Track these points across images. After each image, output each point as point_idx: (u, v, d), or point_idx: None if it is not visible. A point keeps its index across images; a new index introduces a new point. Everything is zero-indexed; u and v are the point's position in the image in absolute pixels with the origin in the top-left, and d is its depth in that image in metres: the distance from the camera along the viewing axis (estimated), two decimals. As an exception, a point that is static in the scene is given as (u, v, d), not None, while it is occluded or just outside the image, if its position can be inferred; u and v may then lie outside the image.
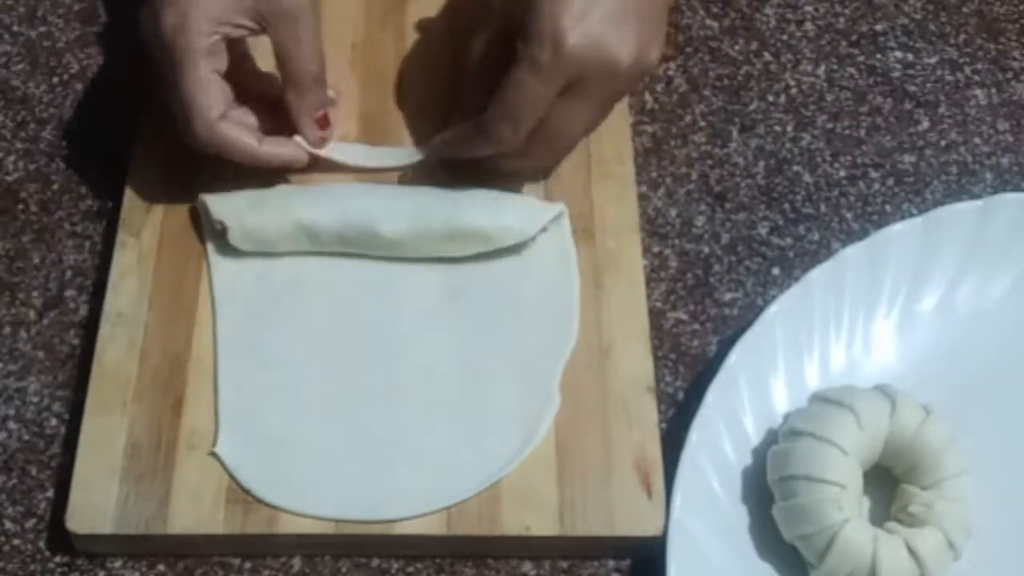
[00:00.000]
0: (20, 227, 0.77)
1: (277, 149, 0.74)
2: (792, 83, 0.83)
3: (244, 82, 0.74)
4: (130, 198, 0.76)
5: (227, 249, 0.74)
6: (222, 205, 0.74)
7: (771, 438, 0.68)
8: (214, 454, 0.68)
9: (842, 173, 0.80)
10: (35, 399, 0.72)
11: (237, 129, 0.73)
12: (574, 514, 0.67)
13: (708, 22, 0.85)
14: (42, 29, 0.85)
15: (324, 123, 0.75)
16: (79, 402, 0.70)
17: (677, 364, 0.73)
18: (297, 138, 0.75)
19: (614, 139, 0.78)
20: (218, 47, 0.71)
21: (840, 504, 0.64)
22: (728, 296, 0.75)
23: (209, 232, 0.75)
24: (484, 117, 0.71)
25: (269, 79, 0.75)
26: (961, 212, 0.74)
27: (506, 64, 0.70)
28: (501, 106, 0.70)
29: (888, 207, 0.79)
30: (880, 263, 0.73)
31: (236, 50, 0.73)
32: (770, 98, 0.83)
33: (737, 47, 0.84)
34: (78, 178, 0.79)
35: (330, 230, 0.73)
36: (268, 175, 0.75)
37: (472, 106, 0.74)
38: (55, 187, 0.79)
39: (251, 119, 0.75)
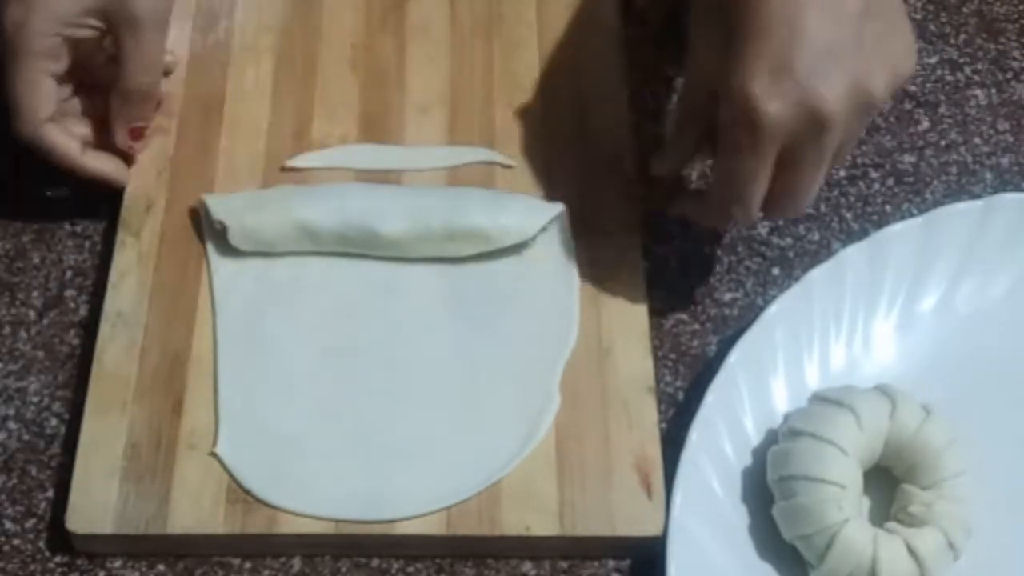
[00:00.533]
0: (20, 227, 0.77)
1: (98, 163, 0.75)
2: (792, 83, 0.83)
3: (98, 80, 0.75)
4: (130, 198, 0.76)
5: (227, 249, 0.74)
6: (222, 205, 0.74)
7: (771, 438, 0.68)
8: (214, 454, 0.68)
9: (842, 173, 0.80)
10: (35, 399, 0.72)
11: (63, 135, 0.74)
12: (574, 514, 0.67)
13: (708, 22, 0.85)
14: (42, 29, 0.85)
15: (137, 135, 0.75)
16: (79, 402, 0.70)
17: (677, 364, 0.73)
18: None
19: (614, 139, 0.78)
20: (58, 49, 0.72)
21: (840, 504, 0.64)
22: (728, 296, 0.75)
23: (209, 232, 0.75)
24: (710, 197, 0.69)
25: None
26: (961, 212, 0.74)
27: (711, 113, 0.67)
28: (720, 190, 0.67)
29: (888, 207, 0.79)
30: (880, 263, 0.73)
31: (89, 49, 0.73)
32: (770, 98, 0.83)
33: None
34: (78, 179, 0.79)
35: (330, 230, 0.73)
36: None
37: (678, 157, 0.74)
38: (55, 187, 0.79)
39: (82, 129, 0.75)
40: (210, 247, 0.74)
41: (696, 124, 0.70)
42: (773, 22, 0.63)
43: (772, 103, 0.63)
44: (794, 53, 0.63)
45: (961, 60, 0.85)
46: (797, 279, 0.72)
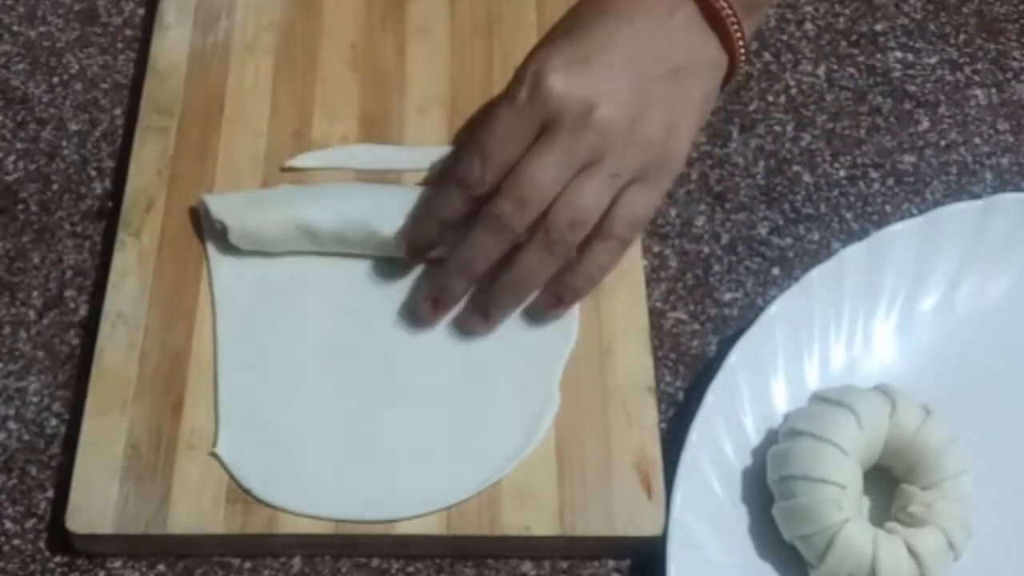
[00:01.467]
0: (20, 227, 0.77)
1: None
2: (792, 83, 0.83)
3: None
4: (130, 198, 0.76)
5: (227, 249, 0.74)
6: (222, 205, 0.74)
7: (771, 438, 0.68)
8: (214, 454, 0.68)
9: (842, 173, 0.80)
10: (35, 399, 0.72)
11: None
12: (574, 514, 0.67)
13: (708, 22, 0.85)
14: (42, 29, 0.85)
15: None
16: (79, 402, 0.70)
17: (677, 364, 0.73)
18: None
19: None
20: None
21: (840, 504, 0.64)
22: (728, 296, 0.75)
23: (209, 232, 0.75)
24: (454, 152, 0.71)
25: None
26: (961, 212, 0.74)
27: None
28: (472, 138, 0.70)
29: (888, 207, 0.79)
30: (880, 263, 0.73)
31: None
32: (770, 98, 0.83)
33: None
34: (78, 178, 0.79)
35: (330, 230, 0.73)
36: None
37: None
38: (55, 187, 0.79)
39: None
40: (210, 247, 0.74)
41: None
42: (594, 32, 0.70)
43: (556, 78, 0.68)
44: (598, 55, 0.69)
45: (961, 60, 0.85)
46: (797, 279, 0.72)
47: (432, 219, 0.71)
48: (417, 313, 0.72)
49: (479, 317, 0.72)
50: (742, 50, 0.73)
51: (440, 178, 0.73)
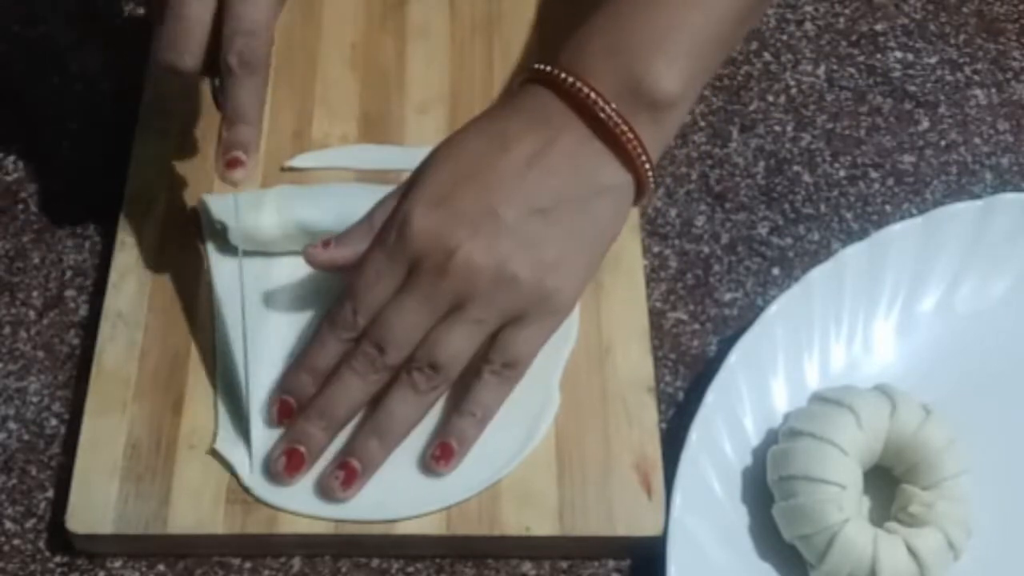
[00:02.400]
0: (20, 227, 0.77)
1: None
2: (792, 83, 0.83)
3: None
4: (130, 198, 0.76)
5: (227, 249, 0.74)
6: (222, 205, 0.74)
7: (771, 438, 0.68)
8: (214, 451, 0.68)
9: (842, 173, 0.80)
10: (35, 399, 0.72)
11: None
12: (574, 514, 0.67)
13: (708, 22, 0.85)
14: (42, 29, 0.85)
15: (234, 164, 0.69)
16: (79, 402, 0.70)
17: (677, 364, 0.73)
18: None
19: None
20: None
21: (840, 504, 0.64)
22: (728, 296, 0.75)
23: (209, 232, 0.75)
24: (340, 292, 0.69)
25: None
26: (961, 212, 0.74)
27: None
28: (350, 283, 0.68)
29: (888, 207, 0.79)
30: (880, 263, 0.73)
31: None
32: (770, 98, 0.83)
33: (737, 47, 0.84)
34: (78, 178, 0.79)
35: (330, 230, 0.73)
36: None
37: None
38: (55, 187, 0.79)
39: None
40: (210, 247, 0.74)
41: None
42: (466, 165, 0.68)
43: (421, 220, 0.66)
44: (464, 194, 0.67)
45: (961, 60, 0.85)
46: (797, 279, 0.72)
47: (306, 369, 0.68)
48: (273, 470, 0.67)
49: (340, 473, 0.67)
50: (646, 165, 0.68)
51: (317, 329, 0.69)
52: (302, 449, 0.67)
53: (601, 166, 0.69)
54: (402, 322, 0.67)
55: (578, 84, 0.68)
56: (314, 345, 0.69)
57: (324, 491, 0.67)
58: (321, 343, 0.68)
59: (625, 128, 0.68)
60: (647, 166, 0.69)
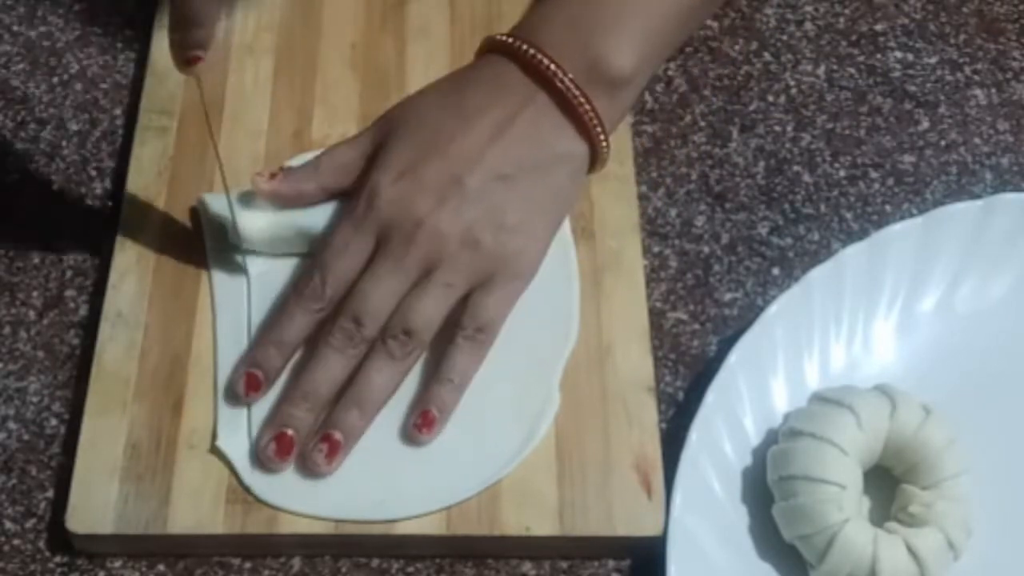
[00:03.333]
0: (20, 227, 0.77)
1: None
2: (792, 83, 0.83)
3: None
4: (130, 198, 0.76)
5: (227, 249, 0.74)
6: (222, 204, 0.74)
7: (771, 438, 0.68)
8: (216, 448, 0.68)
9: (842, 173, 0.80)
10: (35, 399, 0.72)
11: None
12: (574, 514, 0.67)
13: (708, 22, 0.85)
14: (42, 29, 0.85)
15: (193, 61, 0.68)
16: (79, 402, 0.70)
17: (677, 364, 0.73)
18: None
19: (614, 139, 0.78)
20: None
21: (840, 504, 0.64)
22: (728, 296, 0.75)
23: (209, 232, 0.75)
24: (307, 264, 0.71)
25: None
26: (961, 212, 0.74)
27: None
28: (317, 254, 0.70)
29: (888, 207, 0.79)
30: (880, 263, 0.73)
31: None
32: (770, 98, 0.83)
33: (737, 47, 0.84)
34: (78, 178, 0.79)
35: (329, 230, 0.73)
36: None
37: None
38: (55, 187, 0.79)
39: None
40: (210, 247, 0.74)
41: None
42: (430, 136, 0.70)
43: (388, 192, 0.69)
44: (429, 163, 0.70)
45: (961, 60, 0.85)
46: (797, 279, 0.72)
47: (273, 342, 0.69)
48: (263, 456, 0.67)
49: (323, 446, 0.67)
50: (601, 136, 0.72)
51: (283, 302, 0.71)
52: (290, 432, 0.67)
53: (560, 136, 0.72)
54: (376, 293, 0.68)
55: (539, 56, 0.71)
56: (281, 317, 0.70)
57: (308, 466, 0.67)
58: (288, 315, 0.69)
59: (583, 100, 0.71)
60: (602, 137, 0.72)
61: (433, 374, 0.69)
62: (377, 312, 0.68)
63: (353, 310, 0.68)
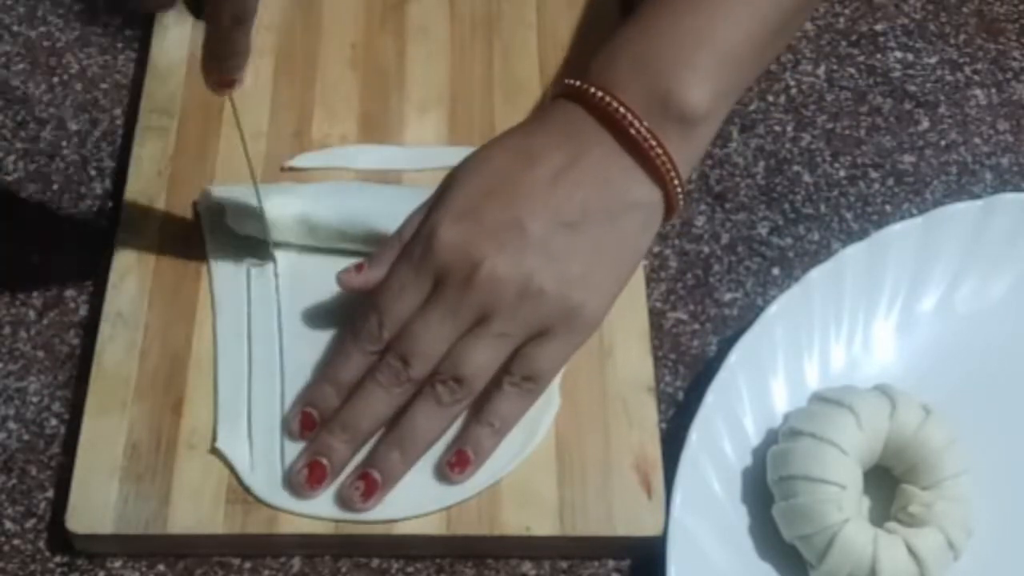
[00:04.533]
0: (20, 227, 0.77)
1: None
2: (792, 83, 0.83)
3: None
4: (130, 198, 0.76)
5: (227, 248, 0.74)
6: (222, 190, 0.74)
7: (771, 438, 0.68)
8: (216, 450, 0.68)
9: (842, 173, 0.80)
10: (35, 399, 0.72)
11: None
12: (574, 514, 0.67)
13: (708, 22, 0.85)
14: (42, 29, 0.85)
15: (227, 84, 0.65)
16: (79, 402, 0.70)
17: (677, 364, 0.73)
18: None
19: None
20: None
21: (840, 504, 0.64)
22: (728, 296, 0.75)
23: (209, 231, 0.75)
24: (361, 301, 0.69)
25: None
26: (961, 212, 0.74)
27: None
28: (375, 294, 0.68)
29: (888, 207, 0.79)
30: (880, 263, 0.73)
31: None
32: (770, 98, 0.83)
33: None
34: (78, 178, 0.79)
35: (330, 225, 0.73)
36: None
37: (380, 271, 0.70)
38: (55, 187, 0.79)
39: None
40: (210, 247, 0.74)
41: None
42: (492, 179, 0.68)
43: (447, 233, 0.66)
44: (490, 208, 0.67)
45: (961, 60, 0.85)
46: (797, 279, 0.72)
47: (330, 382, 0.68)
48: (294, 482, 0.66)
49: (360, 484, 0.66)
50: (675, 180, 0.68)
51: (341, 341, 0.69)
52: (324, 462, 0.66)
53: (630, 182, 0.68)
54: (427, 335, 0.66)
55: (607, 98, 0.68)
56: (338, 357, 0.68)
57: (344, 502, 0.66)
58: (345, 355, 0.68)
59: (654, 143, 0.67)
60: (676, 182, 0.68)
61: (475, 413, 0.68)
62: (426, 354, 0.66)
63: (402, 349, 0.66)
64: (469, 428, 0.67)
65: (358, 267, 0.69)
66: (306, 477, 0.66)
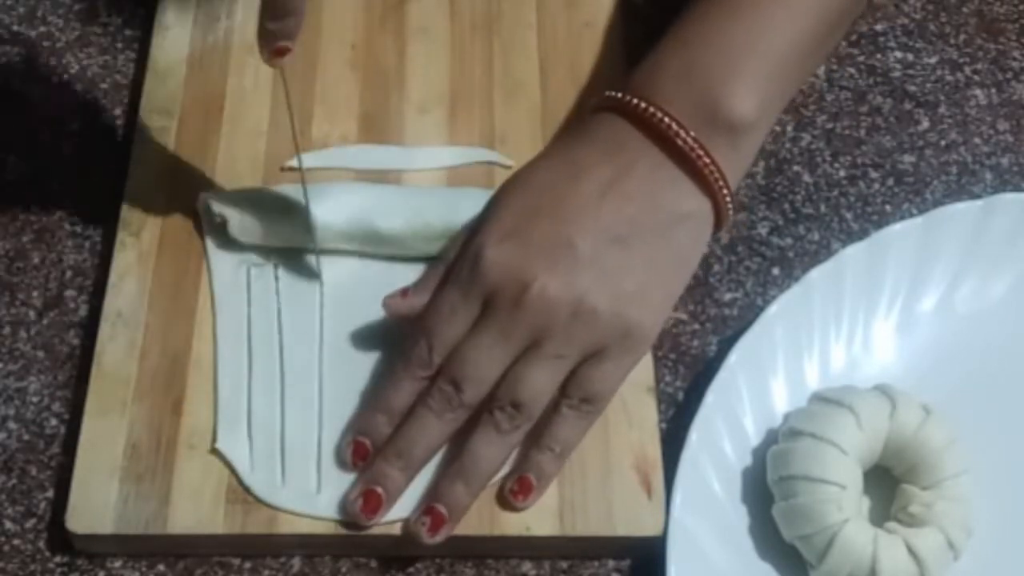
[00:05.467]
0: (20, 227, 0.77)
1: None
2: (792, 83, 0.83)
3: None
4: (130, 198, 0.76)
5: (227, 248, 0.74)
6: (223, 198, 0.74)
7: (771, 438, 0.68)
8: (215, 450, 0.68)
9: (842, 173, 0.80)
10: (35, 399, 0.72)
11: None
12: (574, 514, 0.67)
13: (708, 22, 0.85)
14: (42, 29, 0.85)
15: (281, 52, 0.64)
16: (79, 402, 0.70)
17: (677, 364, 0.73)
18: None
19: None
20: None
21: (840, 504, 0.64)
22: (728, 296, 0.75)
23: (209, 231, 0.75)
24: (409, 325, 0.68)
25: None
26: (961, 212, 0.74)
27: None
28: (423, 318, 0.67)
29: (888, 207, 0.79)
30: (880, 263, 0.73)
31: None
32: (770, 98, 0.83)
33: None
34: (78, 178, 0.79)
35: (330, 224, 0.73)
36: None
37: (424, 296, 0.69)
38: (55, 187, 0.79)
39: None
40: (210, 247, 0.74)
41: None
42: (538, 198, 0.67)
43: (492, 252, 0.65)
44: (537, 227, 0.66)
45: (961, 60, 0.85)
46: (797, 279, 0.72)
47: (381, 409, 0.67)
48: (350, 511, 0.65)
49: (426, 519, 0.65)
50: (724, 191, 0.67)
51: (391, 368, 0.68)
52: (379, 490, 0.65)
53: (679, 193, 0.68)
54: (478, 358, 0.65)
55: (651, 109, 0.67)
56: (388, 384, 0.67)
57: (411, 536, 0.65)
58: (396, 382, 0.67)
59: (702, 153, 0.67)
60: (725, 192, 0.68)
61: (534, 438, 0.66)
62: (478, 378, 0.65)
63: (453, 374, 0.65)
64: (530, 454, 0.66)
65: (403, 292, 0.69)
66: (361, 507, 0.65)
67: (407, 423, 0.66)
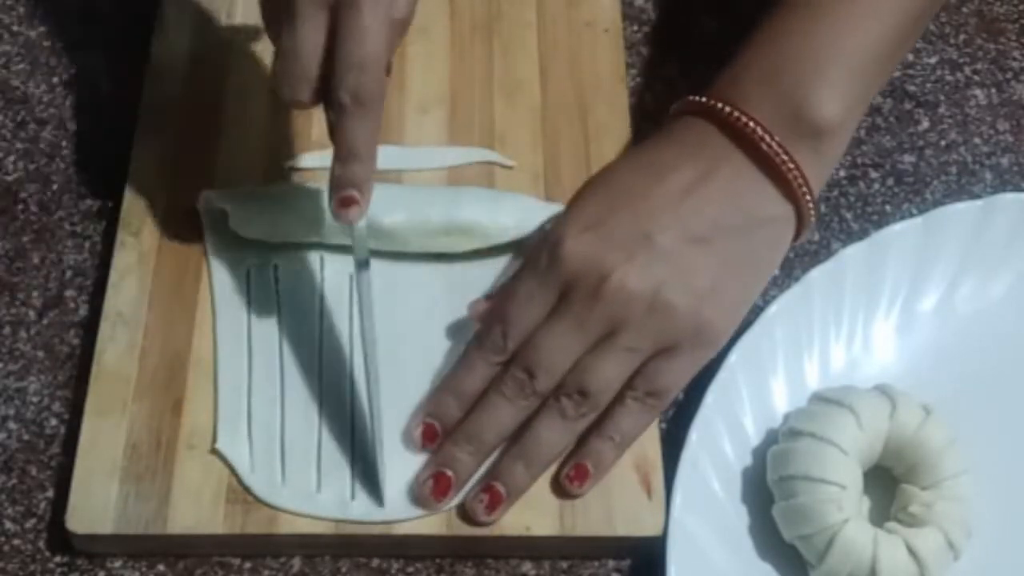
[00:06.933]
0: (20, 227, 0.77)
1: None
2: (792, 83, 0.83)
3: None
4: (130, 198, 0.76)
5: (227, 248, 0.74)
6: (224, 194, 0.74)
7: (771, 438, 0.68)
8: (215, 451, 0.68)
9: (842, 173, 0.80)
10: (35, 399, 0.72)
11: None
12: (574, 514, 0.67)
13: (708, 22, 0.85)
14: (42, 29, 0.85)
15: (348, 202, 0.65)
16: (79, 402, 0.70)
17: (677, 364, 0.73)
18: None
19: (614, 139, 0.78)
20: None
21: (840, 504, 0.64)
22: (728, 296, 0.75)
23: (209, 231, 0.75)
24: (485, 310, 0.69)
25: None
26: (961, 212, 0.74)
27: None
28: (496, 307, 0.68)
29: (888, 207, 0.79)
30: (880, 263, 0.73)
31: None
32: (770, 98, 0.83)
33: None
34: (78, 178, 0.79)
35: (330, 220, 0.73)
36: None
37: None
38: (55, 187, 0.79)
39: None
40: (210, 247, 0.74)
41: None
42: (621, 192, 0.67)
43: (572, 243, 0.66)
44: (619, 220, 0.66)
45: (961, 60, 0.85)
46: (797, 279, 0.72)
47: (453, 392, 0.67)
48: (419, 494, 0.66)
49: (484, 497, 0.65)
50: (807, 196, 0.68)
51: (464, 351, 0.69)
52: (449, 473, 0.66)
53: (761, 197, 0.68)
54: (553, 347, 0.66)
55: (736, 113, 0.67)
56: (461, 368, 0.68)
57: (469, 513, 0.66)
58: (469, 366, 0.67)
59: (786, 158, 0.67)
60: (808, 197, 0.68)
61: (595, 426, 0.67)
62: (552, 367, 0.65)
63: (527, 361, 0.66)
64: (590, 442, 0.66)
65: (487, 298, 0.69)
66: (431, 489, 0.66)
67: (479, 408, 0.66)
